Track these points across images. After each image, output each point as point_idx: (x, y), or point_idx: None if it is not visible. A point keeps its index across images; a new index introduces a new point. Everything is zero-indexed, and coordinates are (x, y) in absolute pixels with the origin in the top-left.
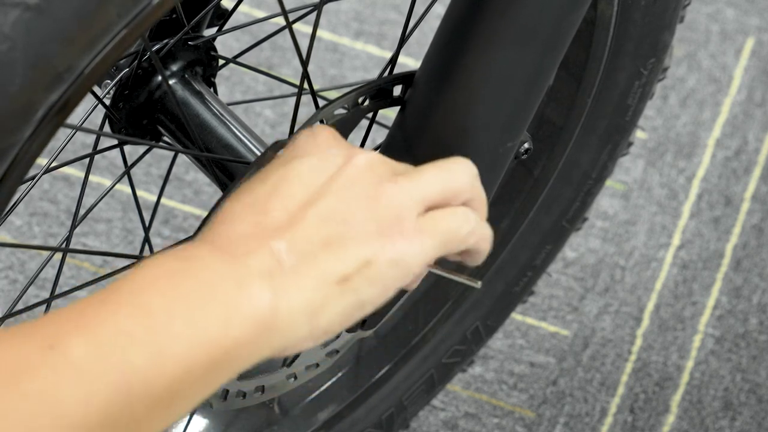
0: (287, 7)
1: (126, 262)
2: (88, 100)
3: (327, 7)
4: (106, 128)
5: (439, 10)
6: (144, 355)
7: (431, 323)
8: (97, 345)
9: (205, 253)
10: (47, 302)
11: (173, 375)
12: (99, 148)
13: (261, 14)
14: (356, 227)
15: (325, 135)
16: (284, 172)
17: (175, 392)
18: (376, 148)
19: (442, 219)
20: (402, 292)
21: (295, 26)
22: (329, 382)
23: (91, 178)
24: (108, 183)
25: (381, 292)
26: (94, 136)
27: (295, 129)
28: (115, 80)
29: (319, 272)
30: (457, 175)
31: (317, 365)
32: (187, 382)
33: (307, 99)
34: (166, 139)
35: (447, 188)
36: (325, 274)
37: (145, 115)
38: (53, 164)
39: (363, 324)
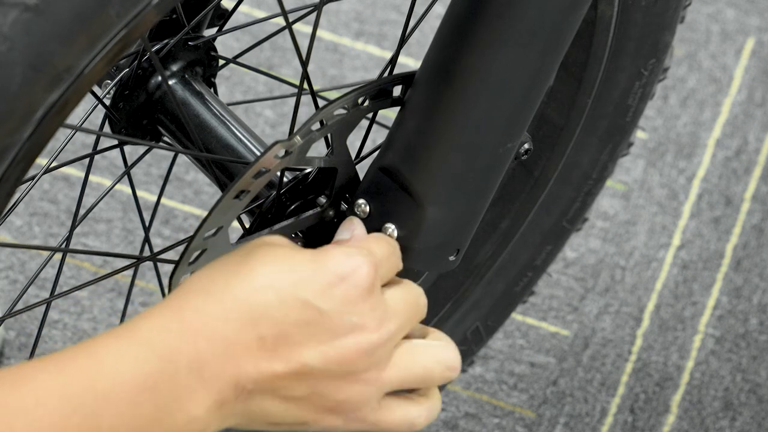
0: (287, 7)
1: (126, 262)
2: (88, 100)
3: (327, 8)
4: (106, 128)
5: (439, 10)
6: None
7: (431, 323)
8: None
9: (183, 363)
10: (47, 302)
11: None
12: (99, 148)
13: (261, 14)
14: (318, 400)
15: (362, 287)
16: (300, 310)
17: None
18: (376, 149)
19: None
20: None
21: (295, 26)
22: None
23: (91, 178)
24: (108, 183)
25: None
26: (94, 136)
27: (295, 129)
28: (115, 80)
29: (258, 411)
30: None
31: None
32: None
33: (307, 99)
34: (166, 139)
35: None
36: (262, 415)
37: (145, 116)
38: (53, 164)
39: None
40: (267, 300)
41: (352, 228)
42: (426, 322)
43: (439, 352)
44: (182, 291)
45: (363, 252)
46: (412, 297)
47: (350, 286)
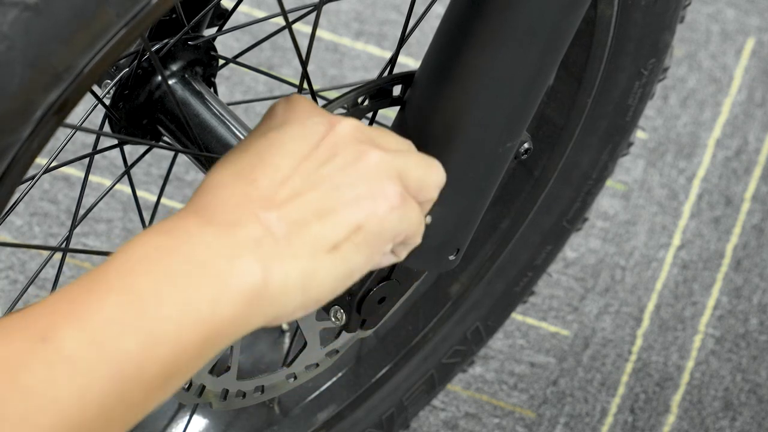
0: (287, 7)
1: None
2: (88, 100)
3: (327, 7)
4: (106, 128)
5: (439, 10)
6: (136, 341)
7: (431, 323)
8: (89, 336)
9: (192, 226)
10: None
11: (166, 358)
12: (99, 147)
13: (261, 14)
14: (346, 192)
15: (303, 103)
16: (266, 142)
17: (168, 374)
18: None
19: (413, 209)
20: (400, 293)
21: (295, 26)
22: (329, 382)
23: (91, 178)
24: (108, 183)
25: (367, 259)
26: (94, 136)
27: None
28: (115, 80)
29: (310, 241)
30: (434, 176)
31: (317, 365)
32: (180, 363)
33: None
34: (166, 139)
35: (423, 180)
36: (316, 243)
37: (145, 115)
38: (53, 164)
39: (363, 324)
40: (238, 156)
41: None
42: (426, 322)
43: (426, 156)
44: None
45: None
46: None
47: (293, 104)
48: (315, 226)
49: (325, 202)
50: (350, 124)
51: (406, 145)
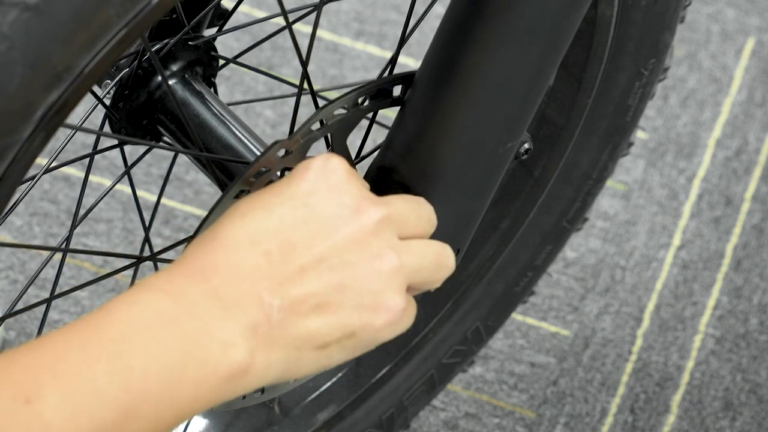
0: (287, 7)
1: (126, 262)
2: (88, 100)
3: (327, 8)
4: (106, 128)
5: (439, 10)
6: (115, 416)
7: (431, 323)
8: (70, 405)
9: (197, 294)
10: (47, 302)
11: (140, 431)
12: (99, 148)
13: (261, 14)
14: (350, 297)
15: (339, 174)
16: (291, 212)
17: None
18: (375, 149)
19: (410, 315)
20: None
21: (295, 26)
22: (329, 382)
23: (91, 178)
24: (108, 183)
25: (348, 358)
26: (94, 136)
27: (295, 129)
28: (115, 80)
29: (302, 335)
30: (443, 273)
31: None
32: None
33: (307, 99)
34: (166, 139)
35: (430, 281)
36: (307, 338)
37: (145, 115)
38: (53, 164)
39: None
40: (259, 218)
41: None
42: (426, 322)
43: (442, 246)
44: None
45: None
46: (413, 201)
47: (329, 173)
48: (311, 322)
49: (328, 299)
50: (377, 215)
51: (428, 226)
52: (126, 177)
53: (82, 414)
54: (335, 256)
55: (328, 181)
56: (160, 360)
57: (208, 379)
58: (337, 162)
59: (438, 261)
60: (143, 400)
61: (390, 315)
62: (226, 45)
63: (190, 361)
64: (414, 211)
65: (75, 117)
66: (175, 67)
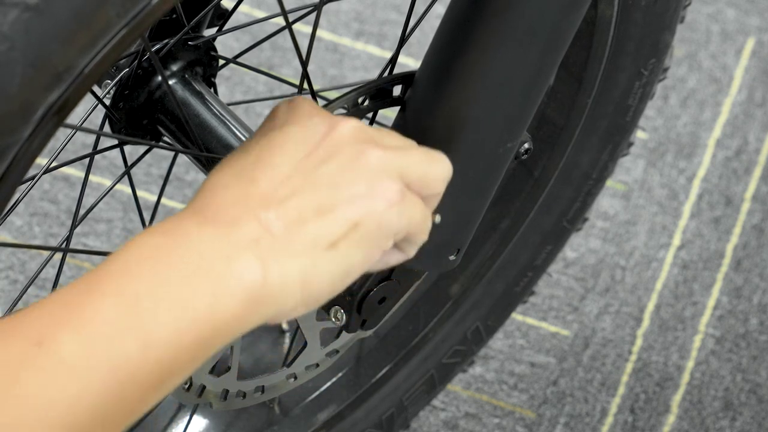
0: (287, 7)
1: None
2: (88, 100)
3: (327, 8)
4: (106, 128)
5: (439, 10)
6: (133, 344)
7: (431, 323)
8: (85, 339)
9: (191, 226)
10: None
11: (163, 360)
12: (99, 148)
13: (261, 14)
14: (344, 190)
15: (305, 105)
16: (267, 142)
17: (165, 375)
18: None
19: (416, 205)
20: (401, 293)
21: (295, 26)
22: (329, 382)
23: (91, 178)
24: (108, 183)
25: (366, 256)
26: (94, 136)
27: None
28: (115, 80)
29: (308, 238)
30: (437, 170)
31: (317, 365)
32: (177, 364)
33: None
34: (166, 139)
35: (425, 176)
36: (314, 241)
37: (145, 115)
38: (53, 164)
39: (363, 324)
40: (239, 157)
41: None
42: (426, 322)
43: (432, 151)
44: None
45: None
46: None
47: (295, 107)
48: (313, 224)
49: (323, 201)
50: (351, 124)
51: (409, 143)
52: (126, 177)
53: (98, 347)
54: (319, 163)
55: (296, 112)
56: (166, 284)
57: (222, 294)
58: (300, 98)
59: (429, 156)
60: (160, 324)
61: (388, 197)
62: (226, 45)
63: (198, 280)
64: (423, 163)
65: (75, 117)
66: (175, 67)
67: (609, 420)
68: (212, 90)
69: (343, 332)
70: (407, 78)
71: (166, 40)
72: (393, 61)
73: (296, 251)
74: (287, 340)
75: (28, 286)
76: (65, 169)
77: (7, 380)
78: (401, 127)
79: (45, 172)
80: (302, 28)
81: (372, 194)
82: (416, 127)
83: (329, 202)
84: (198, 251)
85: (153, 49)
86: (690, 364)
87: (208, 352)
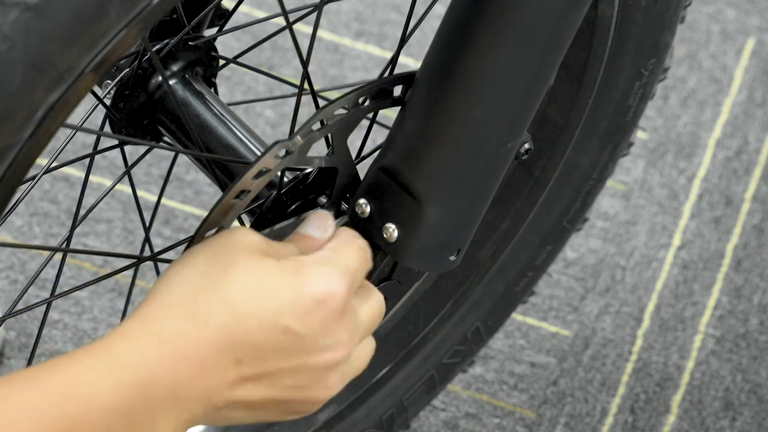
0: (287, 7)
1: (126, 262)
2: (88, 100)
3: (327, 8)
4: (107, 128)
5: (440, 10)
6: None
7: (431, 323)
8: None
9: (160, 398)
10: (47, 302)
11: None
12: (99, 148)
13: (261, 14)
14: (303, 391)
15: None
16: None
17: None
18: (376, 149)
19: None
20: (401, 293)
21: (296, 26)
22: None
23: (91, 178)
24: (108, 183)
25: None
26: (94, 136)
27: (296, 129)
28: (116, 80)
29: (235, 417)
30: (368, 353)
31: None
32: None
33: (307, 99)
34: (166, 139)
35: (366, 359)
36: (239, 417)
37: (145, 116)
38: (53, 164)
39: None
40: (249, 328)
41: (324, 226)
42: (426, 322)
43: (377, 310)
44: (159, 304)
45: (340, 270)
46: (377, 308)
47: (328, 311)
48: (237, 412)
49: (263, 405)
50: (337, 356)
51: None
52: (126, 177)
53: None
54: (291, 380)
55: (324, 317)
56: None
57: None
58: (343, 296)
59: (366, 352)
60: None
61: (328, 393)
62: (226, 45)
63: None
64: (377, 321)
65: (75, 117)
66: (175, 67)
67: (609, 420)
68: (212, 90)
69: None
70: (408, 78)
71: (166, 40)
72: (393, 61)
73: (217, 419)
74: None
75: (28, 286)
76: (65, 169)
77: None
78: (401, 127)
79: (45, 172)
80: (302, 28)
81: (314, 400)
82: (417, 127)
83: (266, 406)
84: (145, 427)
85: (153, 49)
86: (690, 364)
87: None
